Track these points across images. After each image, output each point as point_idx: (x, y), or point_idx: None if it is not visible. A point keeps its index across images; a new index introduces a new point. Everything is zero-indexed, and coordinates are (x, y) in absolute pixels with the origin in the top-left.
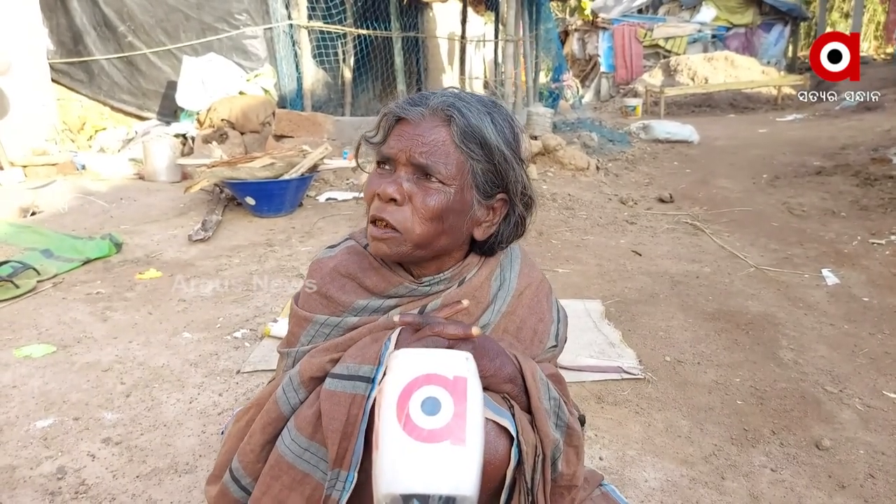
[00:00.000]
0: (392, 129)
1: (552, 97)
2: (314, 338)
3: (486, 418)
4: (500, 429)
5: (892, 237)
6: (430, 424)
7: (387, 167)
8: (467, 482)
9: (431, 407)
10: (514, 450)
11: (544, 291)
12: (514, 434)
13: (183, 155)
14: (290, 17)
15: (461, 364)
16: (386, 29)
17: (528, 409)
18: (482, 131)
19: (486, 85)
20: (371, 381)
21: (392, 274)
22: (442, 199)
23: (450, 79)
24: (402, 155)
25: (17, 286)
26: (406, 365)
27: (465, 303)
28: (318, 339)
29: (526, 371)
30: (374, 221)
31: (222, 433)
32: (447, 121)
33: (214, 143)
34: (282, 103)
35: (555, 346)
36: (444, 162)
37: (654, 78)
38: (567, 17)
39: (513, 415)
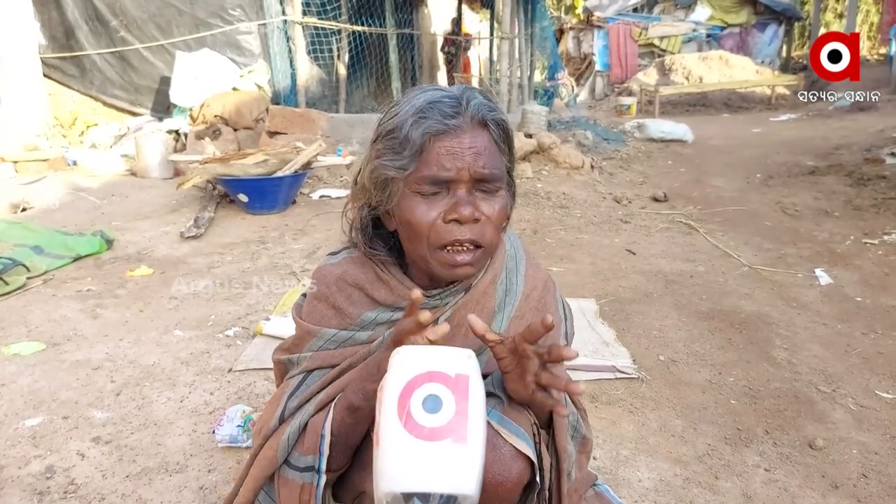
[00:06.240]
0: (428, 148)
1: (547, 95)
2: (319, 350)
3: (508, 442)
4: (517, 451)
5: (885, 237)
6: (432, 422)
7: (430, 188)
8: (468, 481)
9: (433, 405)
10: (537, 476)
11: (550, 291)
12: (533, 458)
13: (175, 151)
14: (284, 13)
15: (463, 362)
16: (381, 25)
17: (547, 424)
18: (508, 125)
19: (480, 82)
20: (316, 470)
21: (401, 286)
22: (503, 203)
23: (444, 76)
24: (463, 173)
25: (6, 283)
26: (407, 362)
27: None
28: (323, 351)
29: None
30: (449, 246)
31: (213, 432)
32: (485, 124)
33: (207, 139)
34: (275, 100)
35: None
36: (497, 167)
37: (649, 77)
38: (562, 15)
39: (535, 442)
